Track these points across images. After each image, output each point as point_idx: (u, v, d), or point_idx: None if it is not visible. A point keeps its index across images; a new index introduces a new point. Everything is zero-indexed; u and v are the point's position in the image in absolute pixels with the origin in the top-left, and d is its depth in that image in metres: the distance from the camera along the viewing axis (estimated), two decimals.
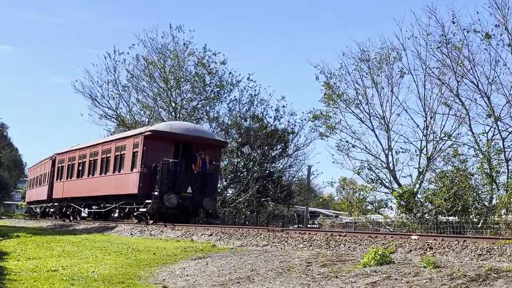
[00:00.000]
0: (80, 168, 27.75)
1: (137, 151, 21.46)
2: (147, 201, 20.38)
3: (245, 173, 31.64)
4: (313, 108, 25.06)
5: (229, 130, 32.67)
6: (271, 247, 13.81)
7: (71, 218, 28.49)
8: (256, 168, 31.06)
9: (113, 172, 23.89)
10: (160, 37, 32.92)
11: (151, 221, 20.47)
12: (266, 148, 32.48)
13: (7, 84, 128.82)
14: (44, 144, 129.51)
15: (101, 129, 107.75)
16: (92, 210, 26.66)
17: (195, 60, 32.50)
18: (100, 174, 25.26)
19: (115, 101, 32.85)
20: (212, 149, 21.75)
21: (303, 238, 14.03)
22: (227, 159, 32.33)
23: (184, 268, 10.80)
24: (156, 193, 20.00)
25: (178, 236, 18.21)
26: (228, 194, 31.90)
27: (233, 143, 32.53)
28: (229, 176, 31.87)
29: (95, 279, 9.42)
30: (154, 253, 12.99)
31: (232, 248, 13.97)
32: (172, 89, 32.38)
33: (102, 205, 25.10)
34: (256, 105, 33.20)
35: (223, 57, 33.15)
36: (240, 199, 29.72)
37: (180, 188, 20.49)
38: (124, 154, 22.83)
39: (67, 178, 29.65)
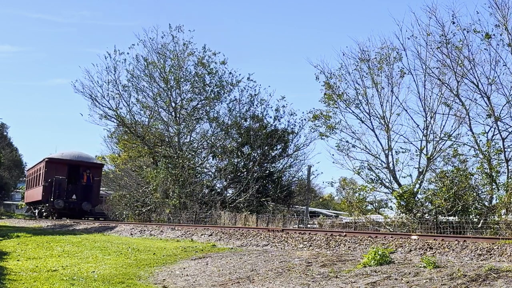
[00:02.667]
0: (31, 181, 38.41)
1: (43, 172, 32.06)
2: (46, 204, 31.78)
3: (245, 173, 31.61)
4: (313, 108, 24.97)
5: (229, 130, 32.64)
6: (271, 247, 13.82)
7: (37, 217, 37.32)
8: (256, 168, 31.03)
9: (36, 186, 34.65)
10: (160, 37, 32.92)
11: (55, 216, 31.47)
12: (266, 148, 32.44)
13: (9, 84, 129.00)
14: (45, 144, 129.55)
15: (101, 129, 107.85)
16: (36, 211, 36.31)
17: (195, 60, 32.46)
18: (34, 186, 35.48)
19: (115, 101, 32.71)
20: (94, 168, 32.44)
21: (303, 238, 14.03)
22: (227, 159, 32.33)
23: (184, 268, 10.80)
24: (51, 199, 30.64)
25: (178, 236, 18.22)
26: (228, 194, 31.88)
27: (233, 143, 32.51)
28: (229, 176, 31.85)
29: (95, 279, 9.42)
30: (154, 253, 13.00)
31: (232, 248, 13.98)
32: (172, 89, 32.32)
33: (38, 207, 35.25)
34: (256, 105, 33.20)
35: (223, 57, 33.18)
36: (240, 199, 29.70)
37: (67, 196, 30.97)
38: (40, 173, 33.41)
39: (28, 188, 40.23)
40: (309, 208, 33.67)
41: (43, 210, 33.04)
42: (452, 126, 21.95)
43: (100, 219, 31.45)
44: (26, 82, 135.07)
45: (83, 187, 31.35)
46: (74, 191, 30.95)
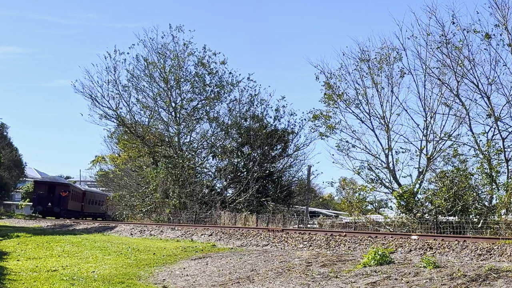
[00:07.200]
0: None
1: (32, 189, 50.95)
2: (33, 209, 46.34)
3: (245, 173, 31.60)
4: (313, 108, 25.01)
5: (229, 130, 32.63)
6: (271, 247, 13.82)
7: None
8: (256, 168, 31.02)
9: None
10: (160, 37, 32.90)
11: (39, 216, 42.62)
12: (266, 148, 32.44)
13: (11, 84, 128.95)
14: (45, 144, 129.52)
15: (101, 129, 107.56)
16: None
17: (195, 60, 32.48)
18: None
19: (115, 101, 32.68)
20: (63, 186, 46.66)
21: (303, 238, 14.03)
22: (227, 159, 32.33)
23: (184, 268, 10.80)
24: (35, 206, 45.09)
25: (178, 236, 18.23)
26: (228, 194, 31.88)
27: (233, 143, 32.51)
28: (229, 176, 31.85)
29: (95, 279, 9.42)
30: (154, 253, 13.00)
31: (232, 248, 13.98)
32: (172, 89, 32.32)
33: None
34: (256, 105, 33.21)
35: (223, 57, 33.16)
36: (240, 199, 29.70)
37: (45, 204, 44.26)
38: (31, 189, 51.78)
39: None
40: (309, 208, 33.67)
41: (31, 212, 49.88)
42: (452, 126, 21.97)
43: (71, 218, 41.57)
44: (30, 83, 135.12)
45: (55, 198, 45.49)
46: (50, 201, 45.03)
